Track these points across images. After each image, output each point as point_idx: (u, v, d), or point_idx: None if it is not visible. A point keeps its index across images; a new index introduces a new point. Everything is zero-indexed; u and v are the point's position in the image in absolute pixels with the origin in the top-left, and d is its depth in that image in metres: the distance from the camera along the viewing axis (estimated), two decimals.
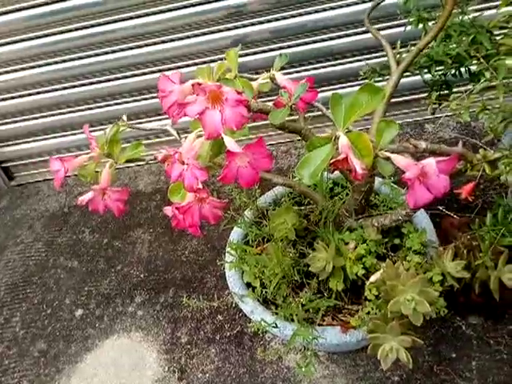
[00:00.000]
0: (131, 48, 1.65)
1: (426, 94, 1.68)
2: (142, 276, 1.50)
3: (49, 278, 1.58)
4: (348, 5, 1.51)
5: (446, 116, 1.66)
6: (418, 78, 1.57)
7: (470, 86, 0.86)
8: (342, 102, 0.63)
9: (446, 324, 1.12)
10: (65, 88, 1.77)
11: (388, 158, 0.59)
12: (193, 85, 0.60)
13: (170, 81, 0.73)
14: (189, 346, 1.28)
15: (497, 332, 1.08)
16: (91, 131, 0.85)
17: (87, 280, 1.54)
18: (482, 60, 0.75)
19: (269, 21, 1.57)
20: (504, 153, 0.62)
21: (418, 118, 1.73)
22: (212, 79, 0.69)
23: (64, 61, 1.70)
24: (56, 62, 1.70)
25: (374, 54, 1.60)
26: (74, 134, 1.91)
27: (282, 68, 0.84)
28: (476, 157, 0.64)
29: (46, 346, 1.37)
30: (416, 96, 1.68)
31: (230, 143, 0.65)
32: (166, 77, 0.73)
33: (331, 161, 0.57)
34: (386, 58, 1.02)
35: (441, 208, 1.22)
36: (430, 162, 0.53)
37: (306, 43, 1.60)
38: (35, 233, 1.77)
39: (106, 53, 1.67)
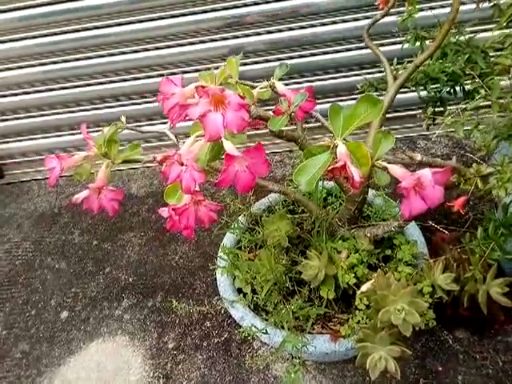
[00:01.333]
0: (131, 52, 1.66)
1: (419, 111, 1.72)
2: (130, 279, 1.49)
3: (35, 278, 1.55)
4: (345, 21, 1.55)
5: (439, 133, 1.70)
6: (411, 94, 1.62)
7: (463, 105, 0.88)
8: (340, 113, 0.65)
9: (432, 337, 1.13)
10: (61, 88, 1.77)
11: (385, 168, 0.60)
12: (196, 87, 0.60)
13: (172, 83, 0.74)
14: (175, 352, 1.26)
15: (483, 347, 1.09)
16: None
17: (74, 282, 1.51)
18: (476, 78, 0.78)
19: (268, 32, 1.60)
20: (496, 168, 0.64)
21: (411, 134, 1.77)
22: (214, 84, 0.70)
23: (62, 61, 1.70)
24: (54, 62, 1.71)
25: (367, 70, 1.63)
26: (67, 135, 1.90)
27: (281, 79, 0.86)
28: (469, 171, 0.66)
29: (29, 348, 1.34)
30: (410, 112, 1.71)
31: (229, 147, 0.66)
32: (168, 79, 0.74)
33: (329, 168, 0.58)
34: (380, 75, 1.05)
35: (431, 222, 1.24)
36: (426, 173, 0.54)
37: (304, 56, 1.62)
38: (23, 232, 1.75)
39: (102, 56, 1.68)
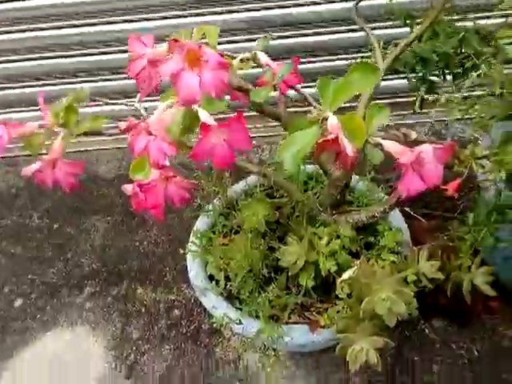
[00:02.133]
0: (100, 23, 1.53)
1: (400, 100, 1.68)
2: (94, 266, 1.39)
3: None
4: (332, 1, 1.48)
5: (418, 122, 1.68)
6: (395, 82, 1.58)
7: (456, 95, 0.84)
8: (330, 84, 0.58)
9: (410, 326, 1.11)
10: (18, 60, 1.60)
11: (379, 145, 0.54)
12: (169, 42, 0.52)
13: (141, 43, 0.65)
14: (140, 342, 1.18)
15: (460, 337, 1.08)
16: None
17: (31, 268, 1.40)
18: (472, 57, 0.74)
19: (248, 10, 1.51)
20: (493, 151, 0.59)
21: (391, 123, 1.74)
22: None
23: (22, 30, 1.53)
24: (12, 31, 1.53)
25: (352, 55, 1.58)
26: (27, 111, 1.74)
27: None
28: (464, 152, 0.62)
29: None
30: (390, 100, 1.68)
31: (205, 116, 0.58)
32: (137, 38, 0.65)
33: (320, 141, 0.51)
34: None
35: (408, 209, 1.21)
36: (427, 149, 0.49)
37: (288, 37, 1.54)
38: None
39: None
